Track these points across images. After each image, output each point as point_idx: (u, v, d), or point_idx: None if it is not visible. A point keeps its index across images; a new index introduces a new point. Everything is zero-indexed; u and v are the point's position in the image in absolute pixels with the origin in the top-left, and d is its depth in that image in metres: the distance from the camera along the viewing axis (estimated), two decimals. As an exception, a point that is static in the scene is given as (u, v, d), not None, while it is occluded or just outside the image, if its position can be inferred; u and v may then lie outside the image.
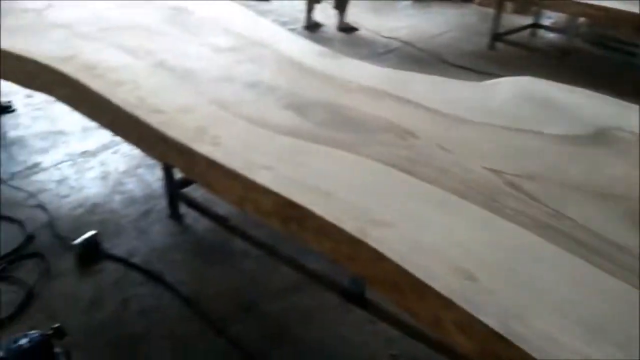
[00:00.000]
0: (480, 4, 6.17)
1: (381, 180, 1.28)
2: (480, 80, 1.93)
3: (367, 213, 1.14)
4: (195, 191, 2.36)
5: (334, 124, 1.52)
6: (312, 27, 5.15)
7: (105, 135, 2.95)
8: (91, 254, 2.13)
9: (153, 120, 1.47)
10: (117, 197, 2.53)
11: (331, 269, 1.75)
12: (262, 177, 1.26)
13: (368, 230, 1.08)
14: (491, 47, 4.72)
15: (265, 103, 1.65)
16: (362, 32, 5.15)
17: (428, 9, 6.13)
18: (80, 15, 2.26)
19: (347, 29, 5.16)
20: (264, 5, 5.84)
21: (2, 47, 1.89)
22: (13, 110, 3.29)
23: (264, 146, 1.41)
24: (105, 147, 2.93)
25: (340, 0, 5.14)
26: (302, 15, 5.36)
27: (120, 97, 1.57)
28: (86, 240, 2.13)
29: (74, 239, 2.15)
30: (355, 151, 1.38)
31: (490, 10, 5.42)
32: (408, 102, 1.67)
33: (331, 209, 1.15)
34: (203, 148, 1.37)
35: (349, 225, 1.09)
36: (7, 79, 2.03)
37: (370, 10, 5.89)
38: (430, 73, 1.94)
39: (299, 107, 1.62)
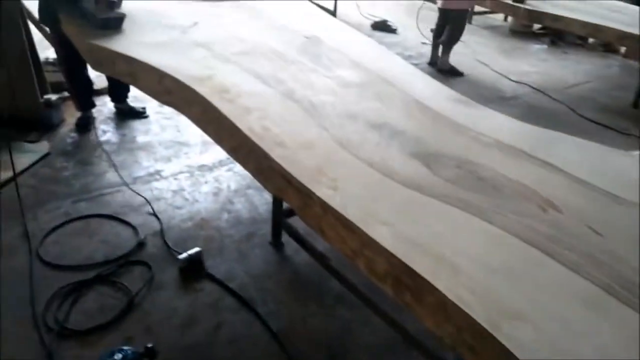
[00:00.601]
0: (625, 56, 5.67)
1: (516, 258, 1.12)
2: (624, 142, 1.68)
3: (499, 299, 0.99)
4: (299, 221, 2.31)
5: (465, 183, 1.38)
6: (436, 64, 5.00)
7: (221, 152, 3.02)
8: (194, 271, 2.15)
9: (275, 153, 1.44)
10: (225, 216, 2.56)
11: (431, 334, 1.59)
12: (380, 234, 1.16)
13: (499, 322, 0.92)
14: (636, 105, 4.25)
15: (389, 148, 1.55)
16: (489, 74, 4.90)
17: (564, 55, 5.74)
18: (219, 36, 2.33)
19: (447, 70, 4.84)
20: (389, 37, 5.83)
21: (145, 60, 1.98)
22: (146, 117, 3.51)
23: (385, 198, 1.31)
24: (221, 164, 3.01)
25: (448, 38, 4.81)
26: (426, 50, 5.26)
27: (247, 125, 1.56)
28: (191, 256, 2.16)
29: (180, 252, 2.19)
30: (488, 218, 1.23)
31: (638, 64, 4.96)
32: (551, 167, 1.48)
33: (456, 286, 1.01)
34: (321, 191, 1.30)
35: (477, 311, 0.95)
36: (144, 91, 2.13)
37: (501, 52, 5.64)
38: (563, 127, 1.72)
39: (426, 157, 1.50)
